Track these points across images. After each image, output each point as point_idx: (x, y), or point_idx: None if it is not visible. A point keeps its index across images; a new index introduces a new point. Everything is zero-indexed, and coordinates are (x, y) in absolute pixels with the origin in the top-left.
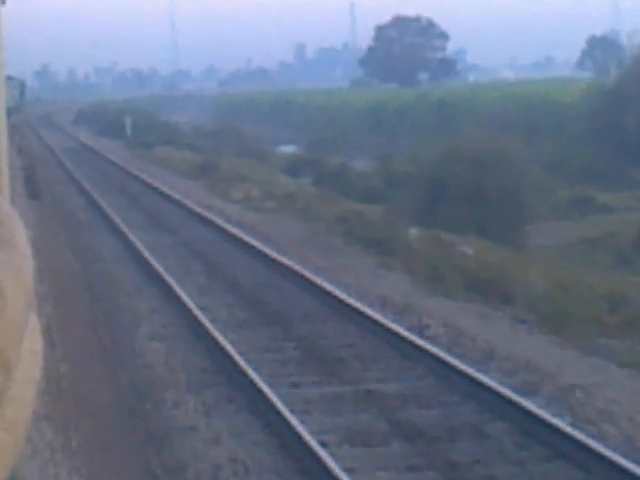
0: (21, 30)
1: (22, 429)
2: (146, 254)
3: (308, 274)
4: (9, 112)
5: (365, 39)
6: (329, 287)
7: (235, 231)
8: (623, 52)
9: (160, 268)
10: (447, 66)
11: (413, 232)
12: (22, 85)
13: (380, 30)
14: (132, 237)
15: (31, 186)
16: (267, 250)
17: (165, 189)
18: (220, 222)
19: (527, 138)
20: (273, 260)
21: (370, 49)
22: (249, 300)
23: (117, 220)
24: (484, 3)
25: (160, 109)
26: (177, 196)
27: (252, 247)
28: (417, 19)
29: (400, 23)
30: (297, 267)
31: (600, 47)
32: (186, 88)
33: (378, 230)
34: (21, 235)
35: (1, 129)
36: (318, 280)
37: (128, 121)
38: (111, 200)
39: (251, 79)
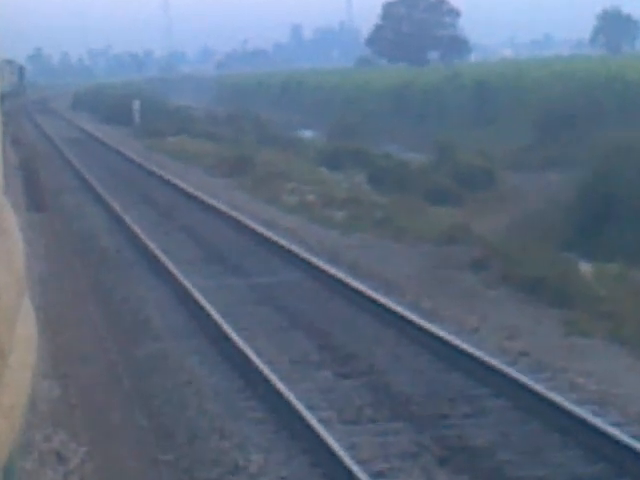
0: (13, 14)
1: (18, 414)
2: (222, 324)
3: (486, 357)
4: (7, 96)
5: (362, 19)
6: (552, 395)
7: (332, 270)
8: (638, 27)
9: (250, 351)
10: (459, 44)
11: (586, 268)
12: (21, 69)
13: (388, 7)
14: (187, 283)
15: (32, 192)
16: (406, 311)
17: (199, 194)
18: (301, 251)
19: (620, 122)
20: (420, 328)
21: (377, 27)
22: (420, 425)
23: (156, 251)
24: None
25: (159, 92)
26: (220, 205)
27: (371, 300)
28: None
29: (408, 0)
30: (458, 342)
31: (612, 23)
32: (183, 70)
33: (527, 263)
34: (11, 221)
35: None
36: (516, 374)
37: (136, 106)
38: (137, 214)
39: (247, 60)
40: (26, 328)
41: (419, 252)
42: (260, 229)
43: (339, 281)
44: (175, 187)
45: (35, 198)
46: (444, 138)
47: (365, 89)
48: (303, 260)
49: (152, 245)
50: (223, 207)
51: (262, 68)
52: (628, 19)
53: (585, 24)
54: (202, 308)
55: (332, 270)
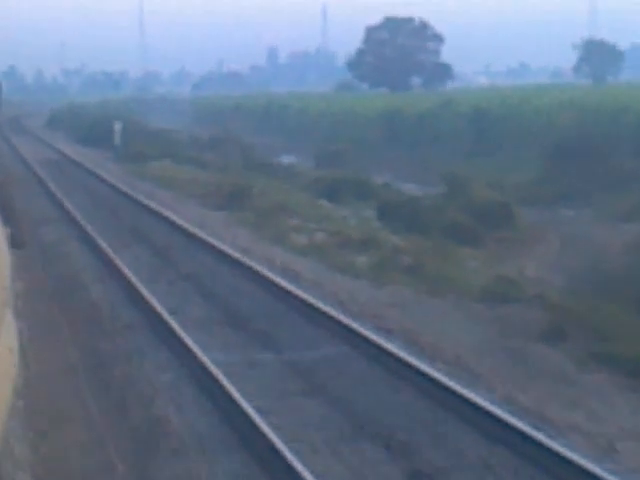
0: None
1: None
2: (266, 431)
3: None
4: None
5: (338, 43)
6: None
7: (386, 343)
8: (622, 58)
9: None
10: (442, 70)
11: None
12: None
13: (370, 31)
14: (206, 359)
15: (7, 224)
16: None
17: (197, 231)
18: (335, 311)
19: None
20: (543, 448)
21: (359, 51)
22: None
23: (159, 309)
24: (452, 9)
25: (136, 112)
26: (223, 246)
27: (456, 395)
28: (410, 20)
29: (391, 24)
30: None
31: (597, 52)
32: (158, 91)
33: (612, 332)
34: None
35: None
36: None
37: (118, 128)
38: (130, 255)
39: (223, 82)
40: (8, 340)
41: (470, 313)
42: (277, 279)
43: (404, 363)
44: (168, 221)
45: (10, 231)
46: (452, 170)
47: (352, 114)
48: (343, 325)
49: (153, 300)
50: (228, 248)
51: (238, 90)
52: (613, 49)
53: (561, 53)
54: (232, 400)
55: (387, 343)
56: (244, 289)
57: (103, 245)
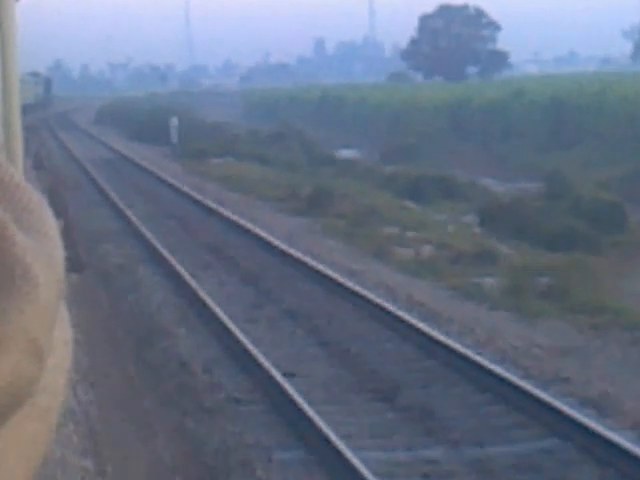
0: (34, 25)
1: (54, 417)
2: None
3: None
4: (32, 108)
5: (385, 33)
6: None
7: (588, 423)
8: None
9: None
10: (498, 59)
11: None
12: (48, 81)
13: (424, 20)
14: (356, 460)
15: (62, 241)
16: None
17: (286, 247)
18: (505, 372)
19: None
20: None
21: (413, 41)
22: None
23: (266, 365)
24: None
25: (186, 106)
26: (319, 265)
27: None
28: (464, 7)
29: (446, 12)
30: None
31: None
32: (205, 83)
33: None
34: (52, 223)
35: (16, 133)
36: None
37: (174, 123)
38: (215, 284)
39: (270, 74)
40: (63, 332)
41: None
42: (405, 316)
43: None
44: (247, 233)
45: (65, 250)
46: (554, 166)
47: (414, 106)
48: (527, 395)
49: (259, 355)
50: (328, 270)
51: (285, 82)
52: None
53: (610, 41)
54: None
55: (609, 432)
56: (373, 335)
57: (179, 268)
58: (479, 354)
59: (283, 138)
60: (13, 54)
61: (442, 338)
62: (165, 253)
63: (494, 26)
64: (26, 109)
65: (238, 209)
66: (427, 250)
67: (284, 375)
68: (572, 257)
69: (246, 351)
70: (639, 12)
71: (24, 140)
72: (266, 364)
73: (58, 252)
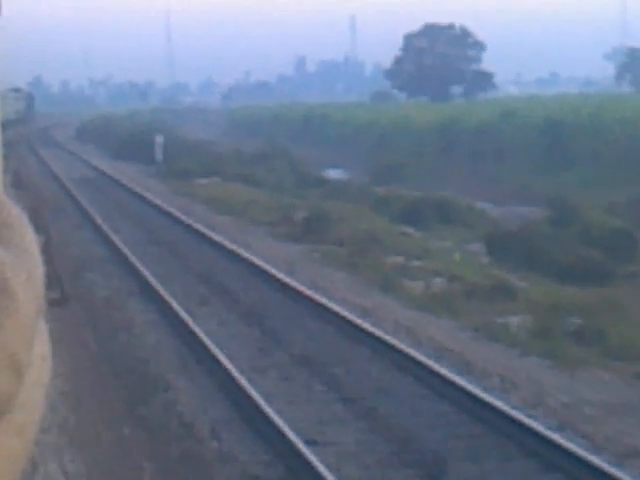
0: (12, 41)
1: (31, 433)
2: None
3: None
4: (12, 124)
5: (366, 53)
6: None
7: None
8: None
9: None
10: (483, 79)
11: None
12: (30, 97)
13: (409, 38)
14: None
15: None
16: None
17: (285, 277)
18: (563, 440)
19: None
20: None
21: (397, 59)
22: None
23: (283, 428)
24: (479, 18)
25: (167, 124)
26: (329, 303)
27: None
28: (450, 27)
29: (431, 31)
30: None
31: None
32: (185, 101)
33: None
34: (31, 238)
35: None
36: None
37: (159, 141)
38: (211, 319)
39: (251, 92)
40: (42, 348)
41: None
42: (434, 365)
43: None
44: (243, 262)
45: (46, 280)
46: (549, 188)
47: (401, 125)
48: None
49: (273, 414)
50: (338, 307)
51: (266, 100)
52: None
53: (591, 63)
54: None
55: None
56: (403, 390)
57: (173, 303)
58: (531, 417)
59: (269, 158)
60: None
61: (485, 396)
62: (155, 284)
63: (480, 46)
64: (8, 125)
65: (230, 234)
66: (438, 283)
67: (307, 443)
68: (600, 293)
69: (258, 409)
70: (620, 36)
71: (3, 157)
72: (284, 428)
73: (37, 268)
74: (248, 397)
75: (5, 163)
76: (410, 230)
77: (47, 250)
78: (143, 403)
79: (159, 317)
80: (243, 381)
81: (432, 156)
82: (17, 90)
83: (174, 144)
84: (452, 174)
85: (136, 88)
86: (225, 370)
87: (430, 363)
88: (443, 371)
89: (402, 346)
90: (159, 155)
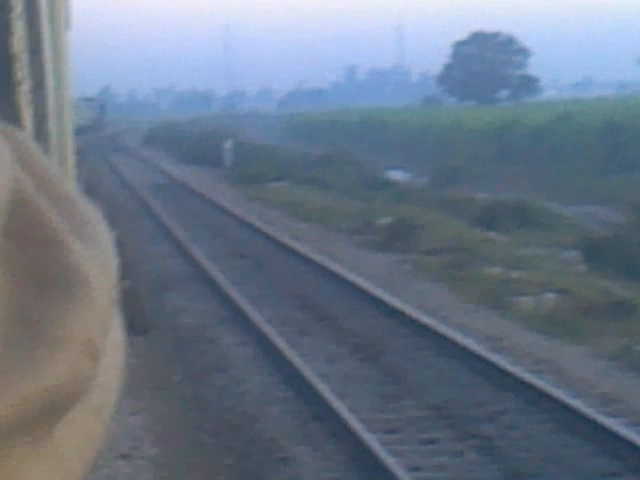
0: (82, 53)
1: (107, 413)
2: None
3: None
4: (86, 130)
5: (411, 61)
6: None
7: None
8: None
9: None
10: (529, 83)
11: None
12: (102, 106)
13: (458, 46)
14: None
15: (122, 297)
16: None
17: (387, 297)
18: None
19: None
20: None
21: (447, 66)
22: None
23: None
24: (524, 25)
25: (230, 128)
26: (453, 334)
27: None
28: (496, 34)
29: (479, 39)
30: None
31: None
32: (244, 107)
33: None
34: (105, 233)
35: (68, 153)
36: None
37: (228, 146)
38: (316, 351)
39: (306, 99)
40: (116, 334)
41: None
42: (600, 419)
43: None
44: (336, 279)
45: (124, 304)
46: (623, 192)
47: (458, 129)
48: None
49: None
50: (465, 338)
51: (319, 106)
52: None
53: (624, 67)
54: None
55: None
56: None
57: (270, 333)
58: None
59: (334, 161)
60: (66, 81)
61: None
62: (245, 309)
63: (525, 52)
64: (80, 132)
65: (313, 244)
66: (550, 299)
67: None
68: None
69: None
70: None
71: (76, 162)
72: None
73: (111, 260)
74: (388, 473)
75: (78, 170)
76: (492, 235)
77: (127, 270)
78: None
79: (258, 351)
80: (380, 451)
81: (489, 158)
82: (90, 99)
83: (240, 149)
84: (511, 176)
85: (198, 96)
86: (353, 435)
87: (594, 416)
88: (607, 424)
89: (561, 395)
90: (228, 160)
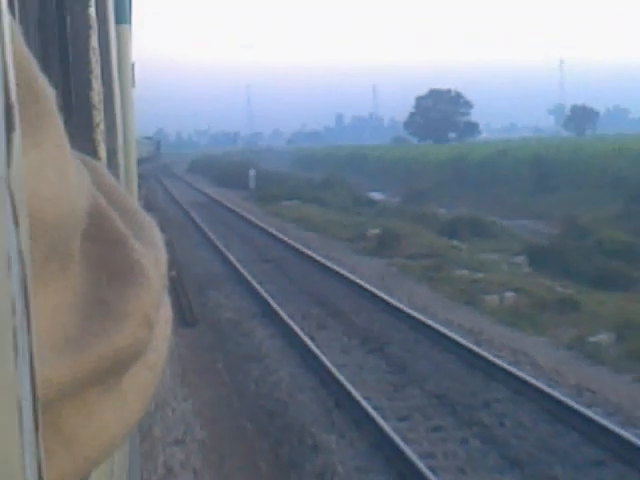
0: (143, 102)
1: (159, 370)
2: None
3: None
4: (146, 160)
5: (385, 111)
6: None
7: None
8: (598, 117)
9: None
10: (471, 128)
11: None
12: (157, 143)
13: (419, 100)
14: None
15: (174, 289)
16: None
17: (385, 295)
18: None
19: None
20: None
21: (411, 115)
22: None
23: None
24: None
25: (252, 160)
26: (438, 326)
27: None
28: (448, 91)
29: (435, 94)
30: None
31: (579, 114)
32: (262, 144)
33: None
34: (158, 236)
35: (132, 178)
36: None
37: (252, 173)
38: (337, 348)
39: (306, 138)
40: (165, 311)
41: None
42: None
43: None
44: (346, 281)
45: (179, 299)
46: (570, 212)
47: (422, 161)
48: None
49: None
50: (451, 332)
51: (316, 144)
52: (591, 111)
53: (538, 116)
54: None
55: None
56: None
57: (294, 327)
58: None
59: (330, 185)
60: (131, 124)
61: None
62: (272, 303)
63: (468, 104)
64: (141, 162)
65: (321, 250)
66: (510, 297)
67: None
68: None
69: None
70: (560, 96)
71: (137, 186)
72: None
73: (162, 256)
74: (411, 466)
75: (139, 190)
76: (456, 243)
77: (177, 272)
78: (294, 468)
79: (286, 344)
80: (397, 440)
81: (446, 183)
82: (148, 138)
83: (260, 175)
84: (463, 197)
85: (227, 135)
86: (375, 424)
87: (577, 407)
88: (591, 415)
89: (542, 385)
90: (252, 184)
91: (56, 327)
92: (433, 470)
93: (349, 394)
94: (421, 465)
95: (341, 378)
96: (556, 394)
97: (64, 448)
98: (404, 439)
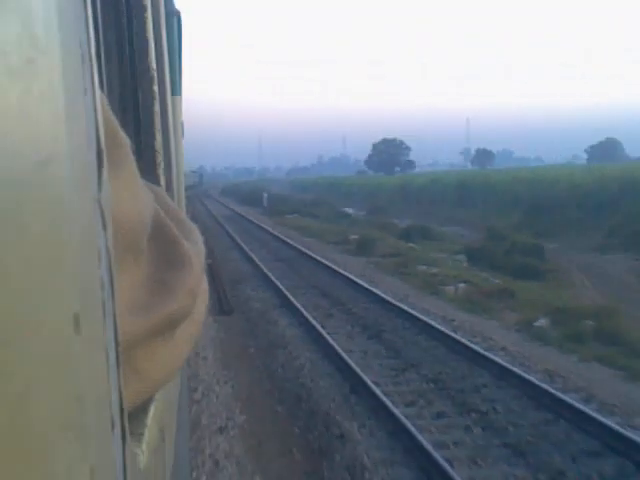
0: (191, 146)
1: (200, 325)
2: None
3: None
4: (192, 187)
5: (352, 152)
6: None
7: None
8: (493, 155)
9: None
10: (409, 164)
11: None
12: (200, 175)
13: (375, 145)
14: None
15: (212, 282)
16: None
17: (369, 286)
18: None
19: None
20: None
21: (369, 155)
22: None
23: None
24: (406, 127)
25: (264, 187)
26: (419, 315)
27: None
28: (394, 139)
29: (385, 141)
30: None
31: (482, 153)
32: (269, 175)
33: None
34: (199, 237)
35: (181, 197)
36: None
37: (265, 195)
38: (343, 333)
39: (299, 171)
40: (204, 286)
41: None
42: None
43: None
44: (342, 277)
45: (217, 292)
46: (484, 221)
47: (379, 187)
48: None
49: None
50: (431, 320)
51: (306, 176)
52: (489, 152)
53: (451, 155)
54: None
55: None
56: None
57: (308, 317)
58: None
59: (318, 203)
60: (182, 162)
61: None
62: (288, 294)
63: (407, 148)
64: (189, 188)
65: (319, 252)
66: (462, 287)
67: None
68: (605, 302)
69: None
70: (466, 142)
71: (186, 206)
72: None
73: (202, 250)
74: (432, 462)
75: (187, 207)
76: (412, 245)
77: (216, 270)
78: (322, 457)
79: (302, 331)
80: (414, 430)
81: (396, 202)
82: (194, 171)
83: (271, 197)
84: (409, 211)
85: (246, 170)
86: (390, 413)
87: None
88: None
89: (519, 371)
90: (265, 203)
91: (131, 298)
92: (449, 462)
93: (361, 379)
94: (437, 456)
95: (352, 364)
96: (531, 378)
97: (136, 376)
98: (415, 426)
